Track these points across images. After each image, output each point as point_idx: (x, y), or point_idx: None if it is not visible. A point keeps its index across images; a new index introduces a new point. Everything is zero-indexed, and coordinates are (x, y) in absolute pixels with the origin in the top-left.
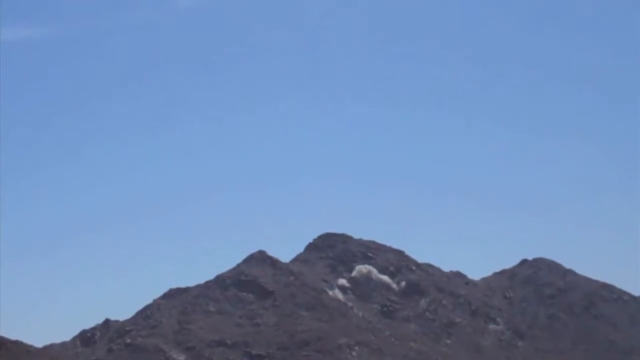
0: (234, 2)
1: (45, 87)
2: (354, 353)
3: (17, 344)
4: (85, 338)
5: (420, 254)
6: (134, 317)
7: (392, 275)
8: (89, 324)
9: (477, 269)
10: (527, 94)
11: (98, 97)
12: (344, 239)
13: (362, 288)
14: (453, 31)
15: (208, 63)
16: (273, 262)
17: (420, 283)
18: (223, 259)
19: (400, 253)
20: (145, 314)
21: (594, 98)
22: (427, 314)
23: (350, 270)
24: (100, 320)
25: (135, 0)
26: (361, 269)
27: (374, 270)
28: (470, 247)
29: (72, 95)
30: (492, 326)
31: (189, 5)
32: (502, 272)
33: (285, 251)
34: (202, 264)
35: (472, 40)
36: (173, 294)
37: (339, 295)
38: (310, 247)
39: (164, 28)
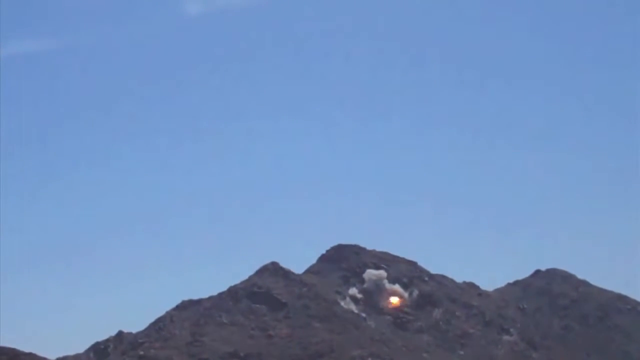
0: (243, 11)
1: (53, 97)
2: None
3: (31, 356)
4: (99, 350)
5: (433, 265)
6: (147, 329)
7: (404, 286)
8: (102, 336)
9: (491, 280)
10: (538, 106)
11: (112, 104)
12: (356, 250)
13: (374, 297)
14: (457, 44)
15: (218, 72)
16: (286, 274)
17: (433, 294)
18: (235, 271)
19: (413, 264)
20: (158, 325)
21: (607, 111)
22: (441, 325)
23: (363, 281)
24: (114, 332)
25: (143, 10)
26: (372, 274)
27: (385, 275)
28: (483, 258)
29: (82, 104)
30: (505, 337)
31: (198, 15)
32: (516, 283)
33: (298, 262)
34: (214, 275)
35: (481, 55)
36: (186, 306)
37: (352, 306)
38: (323, 259)
39: (172, 38)
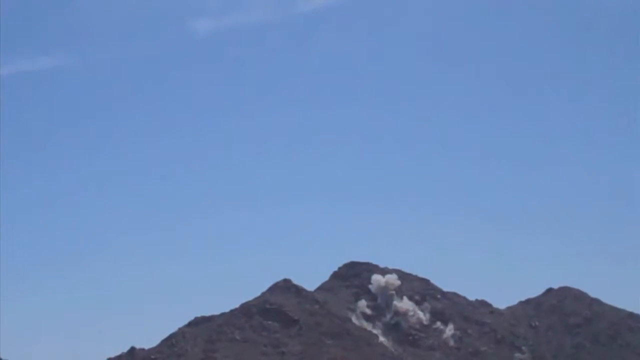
0: (255, 30)
1: (61, 114)
2: None
3: None
4: None
5: (445, 283)
6: (159, 346)
7: (417, 303)
8: (114, 352)
9: (503, 298)
10: (551, 124)
11: (121, 122)
12: (368, 267)
13: (385, 312)
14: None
15: (230, 90)
16: (298, 291)
17: (445, 312)
18: (248, 288)
19: (425, 281)
20: (170, 342)
21: (627, 127)
22: (453, 342)
23: (375, 298)
24: (126, 349)
25: (152, 28)
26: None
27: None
28: (495, 276)
29: (90, 121)
30: (517, 355)
31: (209, 35)
32: (528, 301)
33: (310, 280)
34: (227, 292)
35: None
36: (198, 322)
37: (364, 323)
38: (335, 276)
39: (183, 57)
